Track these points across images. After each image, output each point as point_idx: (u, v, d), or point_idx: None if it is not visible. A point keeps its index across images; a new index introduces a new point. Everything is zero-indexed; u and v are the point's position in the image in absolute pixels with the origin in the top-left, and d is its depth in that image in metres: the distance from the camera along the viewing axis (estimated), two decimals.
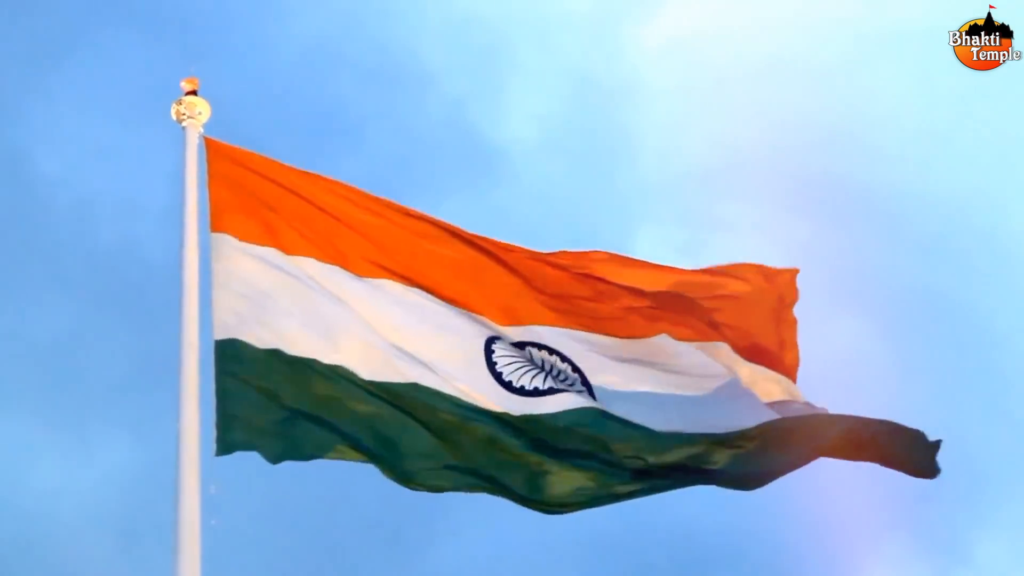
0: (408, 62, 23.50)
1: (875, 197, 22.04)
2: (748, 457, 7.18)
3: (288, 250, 7.41)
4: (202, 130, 7.72)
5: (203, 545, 6.05)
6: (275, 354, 6.99)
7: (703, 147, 23.12)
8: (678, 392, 7.46)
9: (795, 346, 7.89)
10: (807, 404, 7.56)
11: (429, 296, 7.51)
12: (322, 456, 6.95)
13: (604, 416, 7.23)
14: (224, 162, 7.57)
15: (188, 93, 7.83)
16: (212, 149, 7.60)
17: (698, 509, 7.16)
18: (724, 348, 7.73)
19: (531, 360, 7.43)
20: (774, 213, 22.79)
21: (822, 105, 22.61)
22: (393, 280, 7.52)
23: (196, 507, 6.14)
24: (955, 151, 22.15)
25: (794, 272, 8.06)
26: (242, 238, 7.32)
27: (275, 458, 6.78)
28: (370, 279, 7.49)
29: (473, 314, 7.51)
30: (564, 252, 7.84)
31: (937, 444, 6.97)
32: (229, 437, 6.58)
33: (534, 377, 7.35)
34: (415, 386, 7.14)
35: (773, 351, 7.83)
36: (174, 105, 7.80)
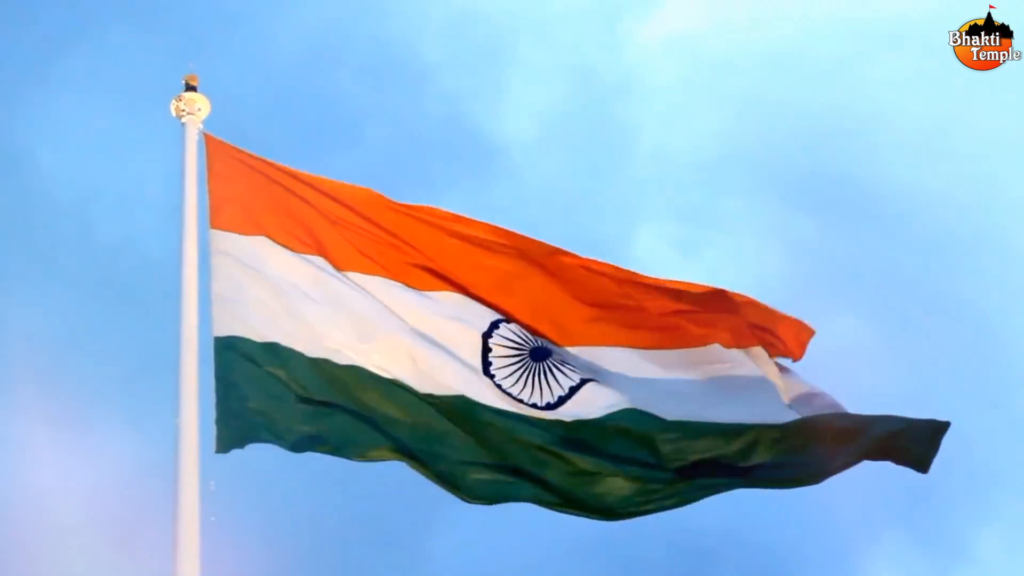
0: (407, 57, 23.51)
1: (875, 194, 22.05)
2: (795, 451, 7.13)
3: (288, 247, 7.42)
4: (202, 126, 7.73)
5: (202, 541, 6.06)
6: (273, 349, 7.00)
7: (703, 142, 23.14)
8: (728, 394, 7.39)
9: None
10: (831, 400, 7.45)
11: (421, 293, 7.51)
12: (312, 450, 6.95)
13: (647, 414, 7.21)
14: (224, 158, 7.57)
15: (188, 89, 7.84)
16: (212, 145, 7.61)
17: (697, 505, 7.14)
18: (761, 352, 7.61)
19: (568, 370, 7.43)
20: (773, 209, 22.83)
21: (822, 102, 22.63)
22: (383, 276, 7.53)
23: (195, 503, 6.15)
24: (955, 150, 22.16)
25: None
26: (242, 234, 7.33)
27: (294, 445, 6.78)
28: (365, 275, 7.50)
29: (508, 318, 7.50)
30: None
31: (945, 426, 6.94)
32: (228, 433, 6.58)
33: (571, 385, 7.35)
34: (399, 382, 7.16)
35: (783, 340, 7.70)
36: (174, 101, 7.81)
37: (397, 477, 7.18)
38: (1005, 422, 19.70)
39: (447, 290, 7.56)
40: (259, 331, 7.00)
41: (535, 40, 24.35)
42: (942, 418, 6.99)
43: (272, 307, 7.16)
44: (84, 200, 21.52)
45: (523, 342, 7.46)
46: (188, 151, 7.56)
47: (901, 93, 22.28)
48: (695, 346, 7.54)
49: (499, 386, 7.27)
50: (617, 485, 7.15)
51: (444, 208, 7.72)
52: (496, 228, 7.66)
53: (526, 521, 7.05)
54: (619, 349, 7.53)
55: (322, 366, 7.07)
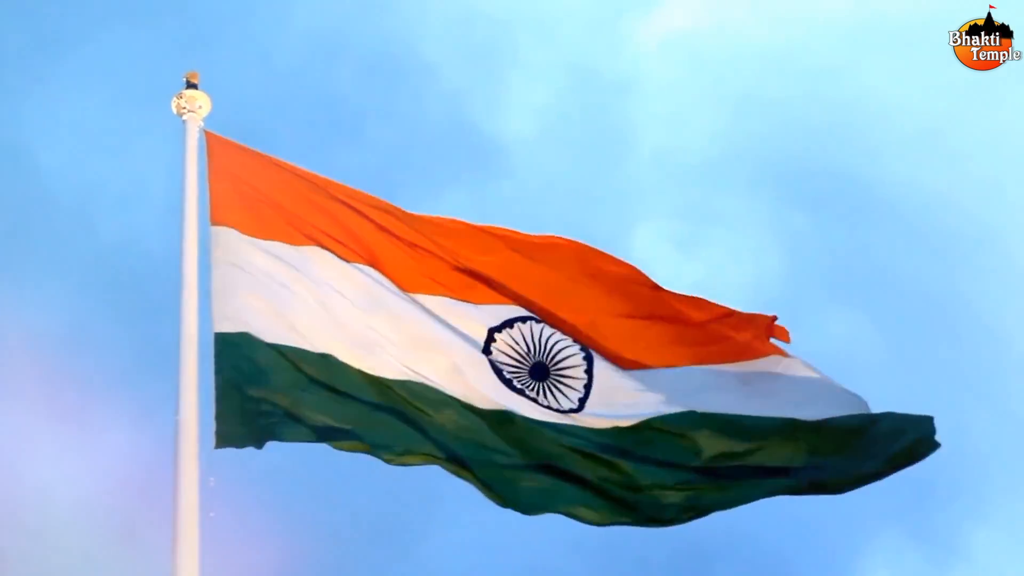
0: (408, 55, 23.51)
1: (874, 193, 22.07)
2: (833, 455, 7.12)
3: (289, 242, 7.44)
4: (202, 124, 7.76)
5: (201, 537, 6.09)
6: (273, 346, 7.02)
7: (702, 141, 23.14)
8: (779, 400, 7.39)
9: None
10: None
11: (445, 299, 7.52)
12: (304, 440, 6.96)
13: (695, 414, 7.23)
14: (224, 156, 7.60)
15: (189, 87, 7.86)
16: (213, 143, 7.63)
17: None
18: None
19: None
20: (772, 208, 22.86)
21: (821, 101, 22.64)
22: (379, 272, 7.55)
23: (195, 499, 6.18)
24: (955, 150, 22.16)
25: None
26: (242, 231, 7.35)
27: (311, 437, 6.81)
28: (360, 265, 7.52)
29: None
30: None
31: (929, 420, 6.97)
32: (228, 430, 6.60)
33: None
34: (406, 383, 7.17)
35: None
36: (175, 99, 7.84)
37: (397, 477, 7.19)
38: (1002, 421, 19.73)
39: (440, 294, 7.56)
40: (260, 327, 7.02)
41: (535, 39, 24.37)
42: (939, 416, 7.00)
43: (273, 304, 7.18)
44: (85, 197, 21.54)
45: (523, 359, 7.47)
46: (189, 148, 7.58)
47: (901, 93, 22.29)
48: (754, 358, 7.52)
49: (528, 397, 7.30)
50: (665, 492, 7.13)
51: (443, 205, 7.76)
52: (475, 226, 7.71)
53: (526, 521, 7.05)
54: (688, 369, 7.51)
55: (328, 360, 7.09)
